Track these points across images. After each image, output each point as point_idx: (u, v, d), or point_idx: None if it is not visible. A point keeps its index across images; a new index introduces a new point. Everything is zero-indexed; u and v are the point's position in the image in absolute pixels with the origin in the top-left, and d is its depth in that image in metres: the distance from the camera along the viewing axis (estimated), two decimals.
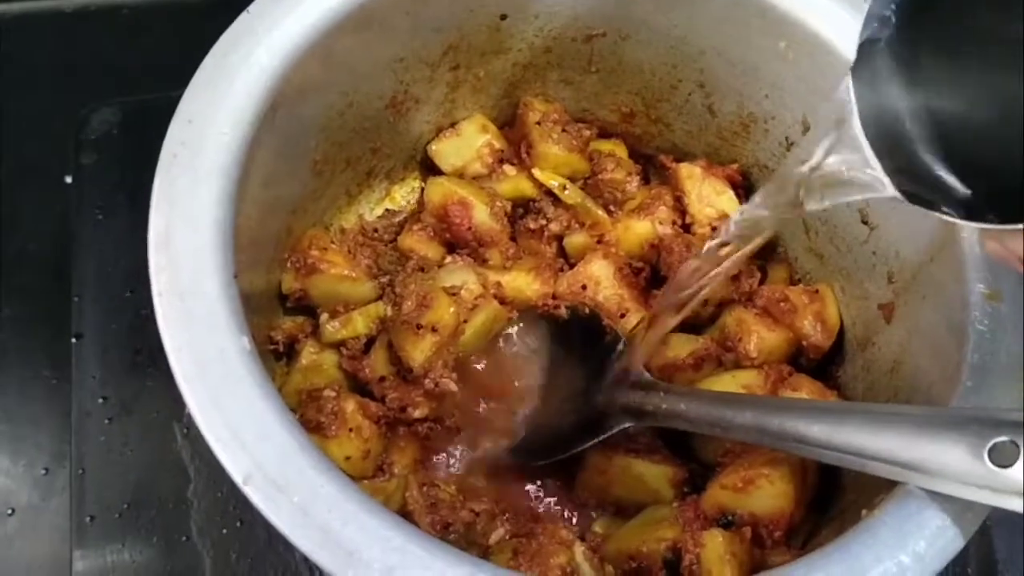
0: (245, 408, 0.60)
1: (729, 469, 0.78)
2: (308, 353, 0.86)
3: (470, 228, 0.91)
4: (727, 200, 0.93)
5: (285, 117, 0.74)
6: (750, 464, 0.77)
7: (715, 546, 0.72)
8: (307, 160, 0.85)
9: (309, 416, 0.80)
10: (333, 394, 0.81)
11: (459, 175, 0.95)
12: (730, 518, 0.77)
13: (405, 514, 0.75)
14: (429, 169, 0.98)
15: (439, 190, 0.92)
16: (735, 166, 0.95)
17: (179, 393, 0.96)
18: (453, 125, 0.96)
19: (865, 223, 0.83)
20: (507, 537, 0.78)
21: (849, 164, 0.58)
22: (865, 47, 0.56)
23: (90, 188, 1.05)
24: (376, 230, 0.95)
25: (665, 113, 0.96)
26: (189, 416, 0.96)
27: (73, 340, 0.98)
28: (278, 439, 0.60)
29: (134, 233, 1.00)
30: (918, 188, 0.56)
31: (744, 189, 0.95)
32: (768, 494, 0.75)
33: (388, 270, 0.90)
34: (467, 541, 0.75)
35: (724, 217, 0.92)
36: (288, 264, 0.86)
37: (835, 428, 0.64)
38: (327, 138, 0.85)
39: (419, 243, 0.92)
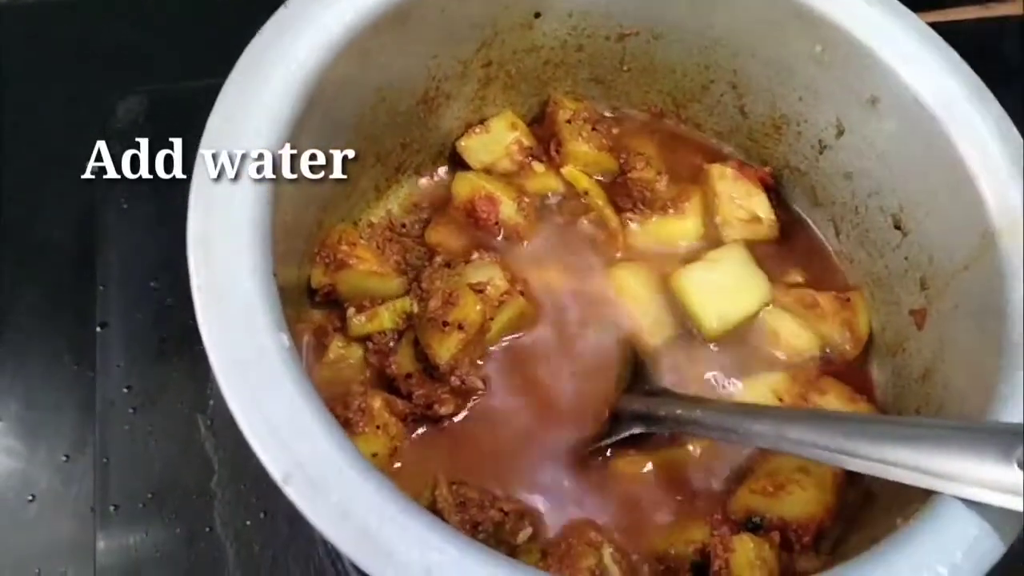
0: (285, 406, 0.60)
1: (759, 473, 0.78)
2: (336, 347, 0.86)
3: (497, 223, 0.91)
4: (758, 202, 0.93)
5: (320, 115, 0.73)
6: (780, 469, 0.77)
7: (745, 551, 0.72)
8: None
9: (337, 412, 0.79)
10: (361, 390, 0.81)
11: (488, 171, 0.95)
12: (758, 521, 0.77)
13: (434, 513, 0.75)
14: (458, 164, 0.97)
15: (466, 185, 0.92)
16: (767, 168, 0.94)
17: (203, 384, 0.97)
18: (483, 122, 0.96)
19: (898, 228, 0.83)
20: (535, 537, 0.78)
21: None
22: None
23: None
24: (404, 224, 0.95)
25: (696, 113, 0.96)
26: (213, 407, 0.97)
27: (98, 328, 0.98)
28: (317, 438, 0.59)
29: (159, 222, 1.03)
30: None
31: (775, 192, 0.95)
32: (800, 500, 0.75)
33: (416, 265, 0.90)
34: (496, 540, 0.75)
35: (755, 218, 0.92)
36: (318, 259, 0.86)
37: (855, 439, 0.63)
38: (359, 134, 0.84)
39: (446, 238, 0.92)
